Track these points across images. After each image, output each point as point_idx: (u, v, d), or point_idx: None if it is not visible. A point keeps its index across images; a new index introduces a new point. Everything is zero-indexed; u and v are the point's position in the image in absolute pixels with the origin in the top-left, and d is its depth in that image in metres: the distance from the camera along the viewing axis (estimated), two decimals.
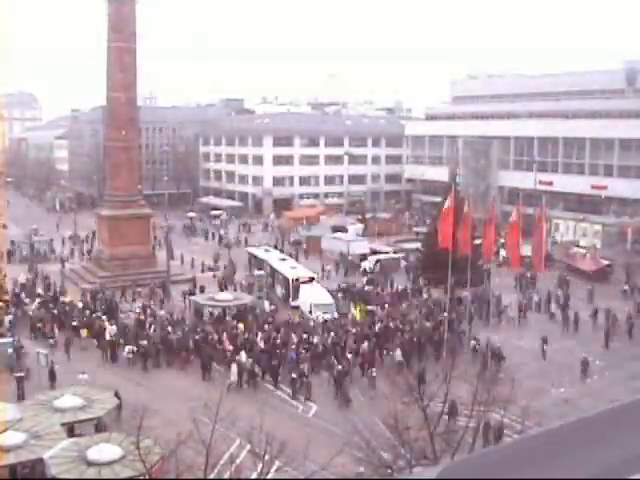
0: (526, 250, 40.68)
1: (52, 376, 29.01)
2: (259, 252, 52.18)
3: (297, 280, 43.09)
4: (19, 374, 28.74)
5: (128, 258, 49.46)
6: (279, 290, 45.42)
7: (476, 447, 17.16)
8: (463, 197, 51.00)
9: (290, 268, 45.63)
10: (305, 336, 33.83)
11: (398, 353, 31.61)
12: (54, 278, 48.05)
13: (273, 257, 49.51)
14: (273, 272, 46.95)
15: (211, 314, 38.48)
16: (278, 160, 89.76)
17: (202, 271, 53.50)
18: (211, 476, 17.85)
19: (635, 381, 29.92)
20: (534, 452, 2.00)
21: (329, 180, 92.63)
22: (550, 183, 65.64)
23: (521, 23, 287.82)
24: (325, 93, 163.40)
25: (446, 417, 19.39)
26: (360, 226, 69.55)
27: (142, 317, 37.49)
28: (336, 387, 29.00)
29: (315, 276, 45.08)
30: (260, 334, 34.18)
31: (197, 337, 33.65)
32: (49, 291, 45.18)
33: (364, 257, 54.67)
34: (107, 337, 33.86)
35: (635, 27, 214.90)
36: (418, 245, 54.61)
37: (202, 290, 45.19)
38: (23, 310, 39.13)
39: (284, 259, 49.09)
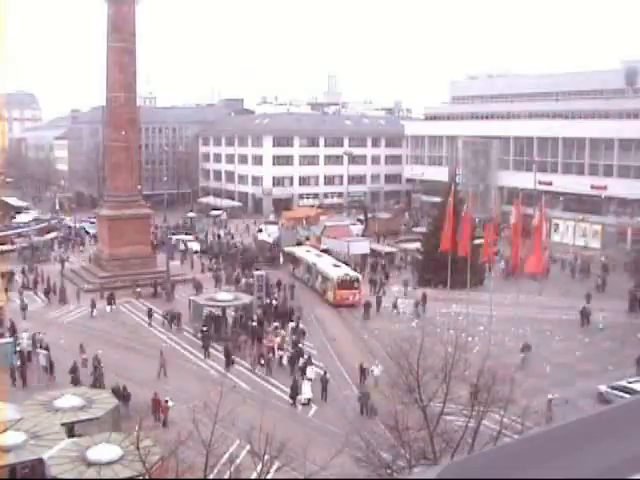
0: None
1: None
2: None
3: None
4: None
5: (128, 258, 49.45)
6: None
7: (476, 447, 17.14)
8: (463, 197, 51.12)
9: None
10: None
11: None
12: (54, 278, 48.10)
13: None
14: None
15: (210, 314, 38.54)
16: (278, 160, 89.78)
17: (202, 271, 53.52)
18: (211, 476, 17.85)
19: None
20: (534, 452, 2.00)
21: (329, 180, 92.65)
22: (550, 183, 65.60)
23: (521, 23, 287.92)
24: (325, 93, 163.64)
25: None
26: (360, 226, 69.59)
27: None
28: None
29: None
30: None
31: None
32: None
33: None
34: None
35: (635, 27, 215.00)
36: (418, 245, 54.60)
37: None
38: None
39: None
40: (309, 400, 28.62)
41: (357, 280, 44.49)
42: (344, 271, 45.62)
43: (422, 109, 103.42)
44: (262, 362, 32.74)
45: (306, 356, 32.49)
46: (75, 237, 68.60)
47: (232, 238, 67.90)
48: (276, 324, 37.83)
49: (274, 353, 33.53)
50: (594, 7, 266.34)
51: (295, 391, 28.73)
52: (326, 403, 28.70)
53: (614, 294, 44.17)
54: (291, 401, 28.68)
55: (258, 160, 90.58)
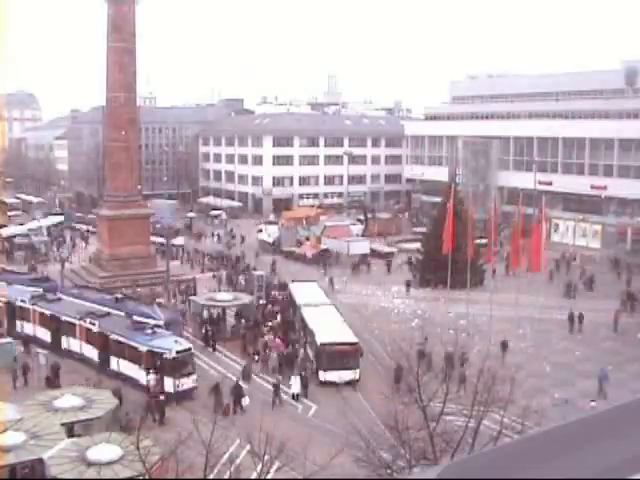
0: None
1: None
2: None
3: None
4: None
5: (128, 258, 49.44)
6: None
7: (476, 447, 17.13)
8: (463, 198, 51.13)
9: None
10: None
11: None
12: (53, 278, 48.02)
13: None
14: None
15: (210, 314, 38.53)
16: (278, 160, 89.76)
17: (202, 271, 53.53)
18: (211, 476, 17.85)
19: (635, 381, 29.92)
20: (534, 452, 2.00)
21: (329, 180, 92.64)
22: (550, 183, 65.58)
23: (521, 23, 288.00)
24: (325, 93, 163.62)
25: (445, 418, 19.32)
26: (360, 226, 69.61)
27: None
28: None
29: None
30: None
31: None
32: None
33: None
34: None
35: (635, 27, 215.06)
36: (418, 245, 54.59)
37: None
38: None
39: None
40: (297, 395, 28.72)
41: None
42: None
43: (422, 109, 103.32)
44: (257, 359, 32.98)
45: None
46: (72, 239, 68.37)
47: (232, 238, 67.93)
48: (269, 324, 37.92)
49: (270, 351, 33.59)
50: (594, 7, 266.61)
51: (296, 387, 28.94)
52: (326, 403, 28.65)
53: (611, 294, 44.19)
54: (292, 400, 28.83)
55: (258, 160, 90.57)
